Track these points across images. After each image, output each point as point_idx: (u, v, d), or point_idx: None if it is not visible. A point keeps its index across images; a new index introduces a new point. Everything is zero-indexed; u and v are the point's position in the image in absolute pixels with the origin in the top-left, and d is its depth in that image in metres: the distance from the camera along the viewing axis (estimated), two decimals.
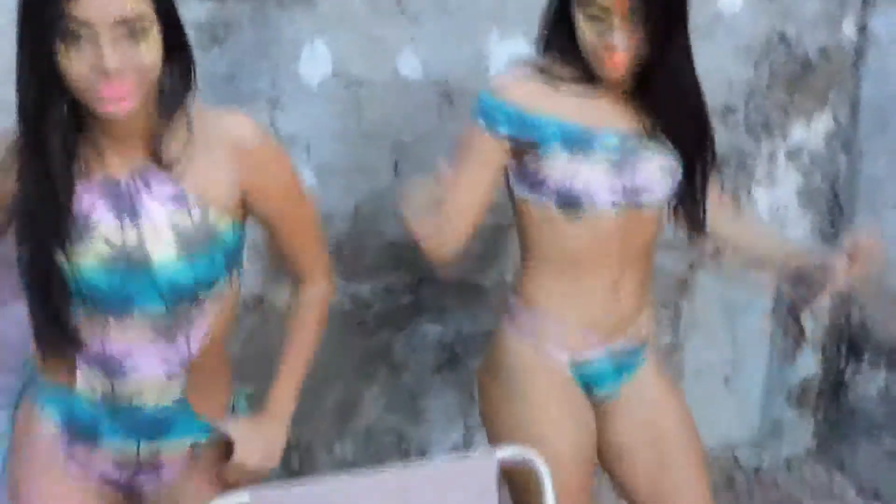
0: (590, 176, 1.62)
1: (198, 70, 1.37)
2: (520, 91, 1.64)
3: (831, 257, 1.73)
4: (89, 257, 1.32)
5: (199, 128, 1.36)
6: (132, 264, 1.32)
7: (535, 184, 1.66)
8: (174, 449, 1.47)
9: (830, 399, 3.06)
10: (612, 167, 1.61)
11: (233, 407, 1.57)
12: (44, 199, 1.28)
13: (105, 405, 1.40)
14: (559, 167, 1.62)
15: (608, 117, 1.64)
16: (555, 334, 1.73)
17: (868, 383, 2.92)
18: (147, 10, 1.22)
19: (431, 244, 1.60)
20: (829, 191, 2.96)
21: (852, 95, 2.83)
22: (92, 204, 1.32)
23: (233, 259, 1.40)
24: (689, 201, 1.73)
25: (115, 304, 1.33)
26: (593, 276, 1.71)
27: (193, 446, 1.48)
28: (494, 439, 1.76)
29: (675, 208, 1.75)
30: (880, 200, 2.81)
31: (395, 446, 2.57)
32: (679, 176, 1.69)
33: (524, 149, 1.64)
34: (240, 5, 2.22)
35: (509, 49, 2.41)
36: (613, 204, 1.64)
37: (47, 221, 1.28)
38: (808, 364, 3.03)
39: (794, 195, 2.89)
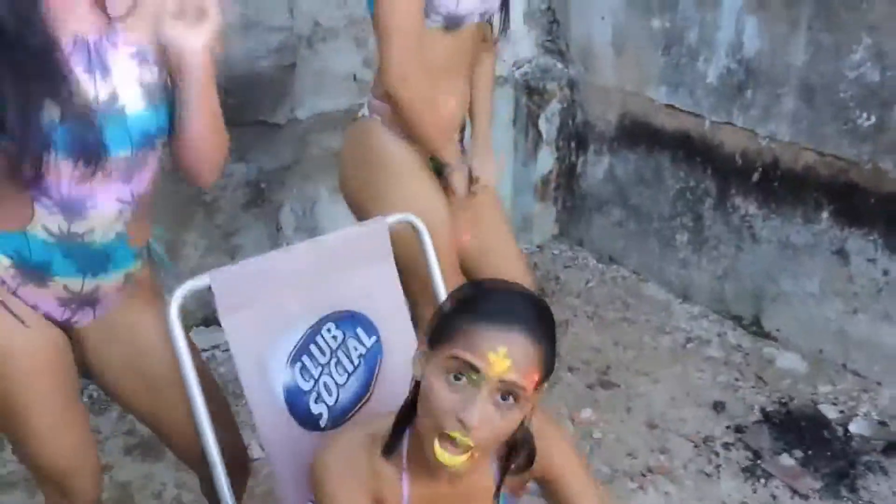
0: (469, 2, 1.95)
1: None
2: None
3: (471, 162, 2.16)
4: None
5: None
6: (107, 115, 1.43)
7: (429, 7, 1.93)
8: (112, 281, 1.61)
9: (566, 189, 3.65)
10: None
11: (149, 245, 1.72)
12: (28, 43, 1.34)
13: (59, 244, 1.51)
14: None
15: None
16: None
17: (595, 168, 3.53)
18: None
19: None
20: (547, 11, 3.46)
21: None
22: (66, 61, 1.40)
23: (174, 109, 1.53)
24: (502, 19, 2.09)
25: (88, 151, 1.43)
26: (441, 84, 2.03)
27: (126, 276, 1.63)
28: (362, 211, 2.11)
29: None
30: (589, 14, 3.35)
31: None
32: None
33: None
34: None
35: None
36: (474, 20, 1.99)
37: (41, 73, 1.35)
38: (547, 162, 3.58)
39: (521, 17, 3.36)
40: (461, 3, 1.94)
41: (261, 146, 2.90)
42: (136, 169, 1.52)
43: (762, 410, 2.69)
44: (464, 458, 1.23)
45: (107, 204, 1.51)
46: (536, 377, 1.23)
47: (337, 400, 1.71)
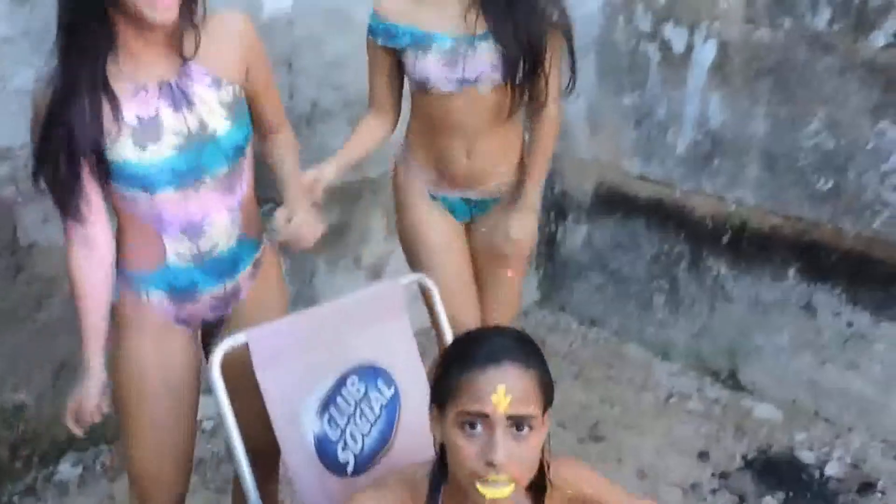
0: (428, 67, 2.16)
1: None
2: (387, 7, 2.20)
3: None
4: (166, 151, 1.65)
5: (210, 27, 1.69)
6: (202, 142, 1.67)
7: (405, 72, 2.24)
8: (245, 273, 1.87)
9: (548, 256, 3.85)
10: (445, 61, 2.14)
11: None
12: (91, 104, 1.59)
13: (195, 264, 1.77)
14: (410, 61, 2.19)
15: (448, 24, 2.15)
16: (420, 174, 2.37)
17: (574, 237, 3.73)
18: None
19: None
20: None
21: None
22: (157, 110, 1.64)
23: (251, 117, 1.80)
24: (526, 82, 2.21)
25: (191, 178, 1.68)
26: (447, 140, 2.27)
27: (255, 263, 1.89)
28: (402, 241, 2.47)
29: (516, 88, 2.23)
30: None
31: None
32: (507, 66, 2.20)
33: (396, 49, 2.20)
34: None
35: None
36: (450, 87, 2.18)
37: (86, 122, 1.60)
38: None
39: None
40: (417, 71, 2.17)
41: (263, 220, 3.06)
42: (235, 179, 1.77)
43: (744, 458, 2.86)
44: (510, 488, 1.35)
45: (219, 217, 1.76)
46: (540, 401, 1.38)
47: (362, 448, 1.84)
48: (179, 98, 1.66)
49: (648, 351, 3.50)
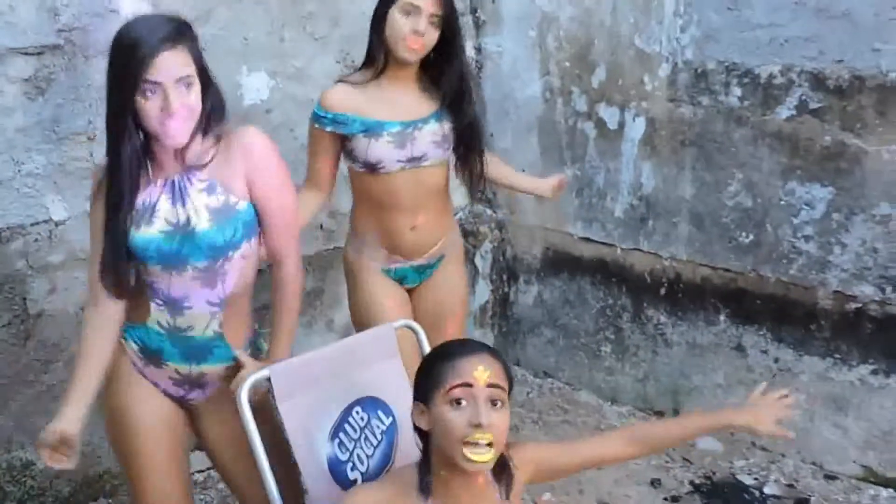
0: (380, 150, 2.47)
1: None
2: (334, 100, 2.48)
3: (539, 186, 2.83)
4: (155, 231, 1.93)
5: (226, 140, 1.97)
6: (185, 234, 1.93)
7: (352, 156, 2.51)
8: (213, 371, 2.07)
9: (502, 315, 4.18)
10: (395, 143, 2.47)
11: (254, 342, 2.17)
12: (121, 194, 1.89)
13: (168, 335, 2.00)
14: (361, 146, 2.47)
15: (397, 112, 2.48)
16: (370, 252, 2.62)
17: (525, 296, 4.08)
18: (193, 70, 1.86)
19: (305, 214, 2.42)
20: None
21: (480, 96, 3.96)
22: (158, 197, 1.93)
23: (249, 228, 2.00)
24: (468, 159, 2.62)
25: (175, 261, 1.94)
26: (393, 216, 2.56)
27: (227, 369, 2.08)
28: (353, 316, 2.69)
29: (458, 165, 2.64)
30: (511, 166, 3.96)
31: None
32: (451, 142, 2.57)
33: (343, 135, 2.48)
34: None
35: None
36: (398, 165, 2.49)
37: (122, 209, 1.89)
38: (483, 293, 4.12)
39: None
40: (370, 154, 2.46)
41: None
42: (216, 276, 1.99)
43: (692, 483, 3.18)
44: (489, 454, 1.68)
45: (199, 305, 2.00)
46: (507, 383, 1.75)
47: (368, 468, 2.12)
48: (177, 194, 1.95)
49: (599, 397, 3.82)
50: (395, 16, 2.40)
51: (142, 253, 1.94)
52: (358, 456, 2.12)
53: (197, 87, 1.88)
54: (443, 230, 2.69)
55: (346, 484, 2.07)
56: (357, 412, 2.15)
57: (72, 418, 1.92)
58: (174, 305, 1.98)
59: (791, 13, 3.00)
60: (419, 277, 2.71)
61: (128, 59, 1.81)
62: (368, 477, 2.11)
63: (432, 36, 2.43)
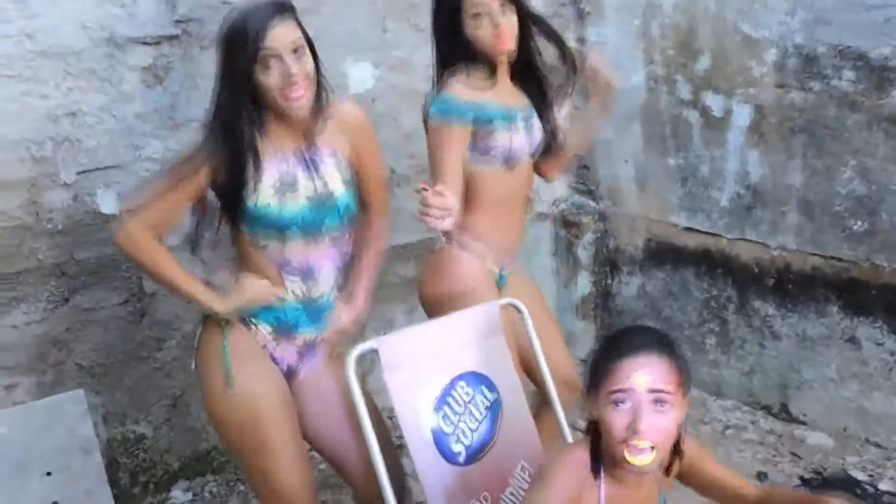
0: (518, 140, 2.39)
1: None
2: (465, 91, 2.31)
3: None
4: (303, 201, 2.03)
5: (332, 112, 2.08)
6: (325, 202, 2.04)
7: (488, 151, 2.33)
8: (326, 329, 2.16)
9: (604, 307, 4.14)
10: (525, 132, 2.43)
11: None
12: (241, 166, 1.98)
13: (304, 306, 2.11)
14: (503, 137, 2.34)
15: (513, 99, 2.43)
16: (482, 253, 2.43)
17: (628, 288, 4.03)
18: (303, 39, 1.96)
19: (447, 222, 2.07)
20: (576, 157, 4.04)
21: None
22: (295, 172, 2.03)
23: (357, 191, 2.16)
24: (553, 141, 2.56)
25: (314, 229, 2.05)
26: (513, 212, 2.49)
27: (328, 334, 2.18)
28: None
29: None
30: (613, 158, 3.94)
31: None
32: (547, 135, 2.52)
33: (477, 128, 2.31)
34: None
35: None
36: (527, 157, 2.46)
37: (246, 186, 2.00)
38: (585, 284, 4.09)
39: None
40: (513, 143, 2.34)
41: None
42: (342, 240, 2.12)
43: (800, 478, 3.08)
44: (650, 457, 1.67)
45: (327, 268, 2.11)
46: (674, 380, 1.70)
47: (471, 441, 2.13)
48: (309, 165, 2.05)
49: (703, 391, 3.74)
50: (468, 21, 2.29)
51: (287, 225, 2.02)
52: (462, 429, 2.13)
53: (309, 57, 1.97)
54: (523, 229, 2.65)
55: (449, 456, 2.09)
56: (462, 386, 2.16)
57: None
58: (309, 274, 2.09)
59: None
60: (500, 286, 2.53)
61: (243, 36, 1.90)
62: (472, 451, 2.12)
63: (511, 20, 2.31)
